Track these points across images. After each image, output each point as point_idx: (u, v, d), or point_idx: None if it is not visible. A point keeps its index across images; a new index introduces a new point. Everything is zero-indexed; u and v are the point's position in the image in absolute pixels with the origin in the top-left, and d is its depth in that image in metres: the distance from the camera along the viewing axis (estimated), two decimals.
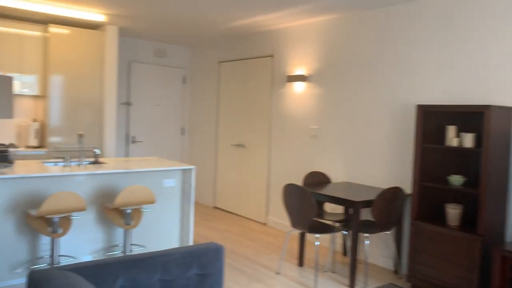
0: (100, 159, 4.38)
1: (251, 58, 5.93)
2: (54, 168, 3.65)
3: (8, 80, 3.25)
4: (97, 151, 3.92)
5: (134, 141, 6.64)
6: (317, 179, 4.45)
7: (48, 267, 3.60)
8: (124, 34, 6.28)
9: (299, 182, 5.19)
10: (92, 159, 4.34)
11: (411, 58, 4.07)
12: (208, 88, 6.79)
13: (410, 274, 3.63)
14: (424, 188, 3.64)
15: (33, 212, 3.26)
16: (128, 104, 6.56)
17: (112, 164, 4.08)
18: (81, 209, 3.33)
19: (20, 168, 3.59)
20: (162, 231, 4.24)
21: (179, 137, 7.15)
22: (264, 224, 5.70)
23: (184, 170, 4.31)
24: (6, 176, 3.24)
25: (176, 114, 7.10)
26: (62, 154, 5.28)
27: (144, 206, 4.03)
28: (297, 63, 5.22)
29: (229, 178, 6.32)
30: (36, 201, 3.53)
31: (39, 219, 3.31)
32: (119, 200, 3.52)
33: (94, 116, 5.50)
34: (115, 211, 3.72)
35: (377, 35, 4.36)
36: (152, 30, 5.88)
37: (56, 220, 3.27)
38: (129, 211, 3.67)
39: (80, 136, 3.94)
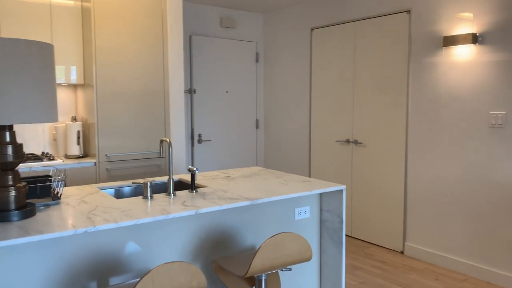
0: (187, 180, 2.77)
1: (366, 19, 4.23)
2: (134, 207, 2.04)
3: (47, 50, 1.65)
4: (195, 169, 2.30)
5: (200, 141, 5.03)
6: None
7: None
8: None
9: (473, 197, 3.51)
10: (174, 179, 2.75)
11: None
12: (292, 66, 5.11)
13: None
14: None
15: None
16: (191, 91, 4.95)
17: (214, 189, 2.46)
18: None
19: (71, 211, 2.00)
20: None
21: (253, 132, 5.52)
22: (401, 253, 4.04)
23: (325, 193, 2.67)
24: (51, 235, 1.66)
25: (249, 102, 5.45)
26: (119, 167, 3.69)
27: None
28: (457, 17, 3.50)
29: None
30: (107, 269, 1.95)
31: None
32: (258, 263, 1.91)
33: (155, 111, 3.88)
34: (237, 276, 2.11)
35: None
36: None
37: None
38: (264, 277, 2.07)
39: (165, 144, 2.34)
